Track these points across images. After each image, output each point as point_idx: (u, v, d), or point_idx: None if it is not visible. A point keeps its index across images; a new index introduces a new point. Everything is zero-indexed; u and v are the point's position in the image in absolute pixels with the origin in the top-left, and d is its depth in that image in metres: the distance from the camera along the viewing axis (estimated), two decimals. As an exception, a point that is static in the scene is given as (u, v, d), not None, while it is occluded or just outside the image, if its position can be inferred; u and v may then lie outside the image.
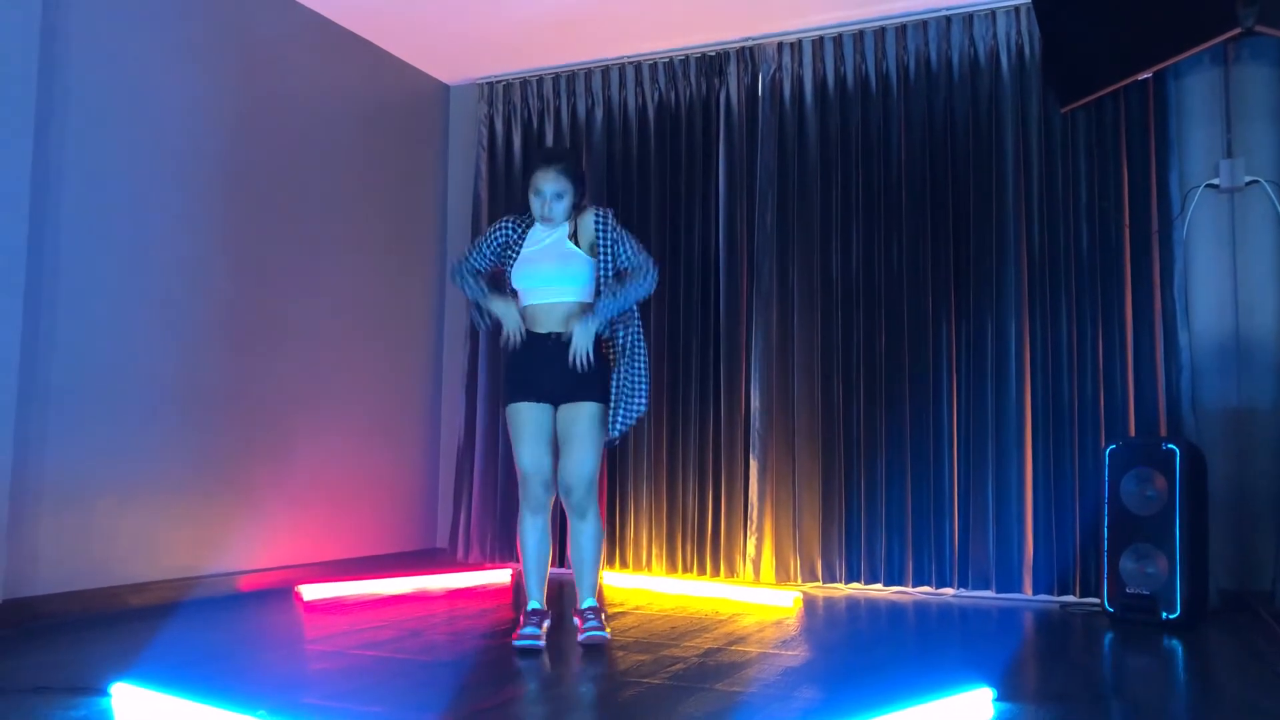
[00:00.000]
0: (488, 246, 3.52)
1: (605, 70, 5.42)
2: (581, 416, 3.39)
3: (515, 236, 3.49)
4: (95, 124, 3.88)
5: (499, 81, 5.67)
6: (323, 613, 3.97)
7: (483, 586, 4.68)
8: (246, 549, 4.45)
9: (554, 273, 3.42)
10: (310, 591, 4.25)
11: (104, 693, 2.59)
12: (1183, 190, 4.36)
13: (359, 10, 4.94)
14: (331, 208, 5.00)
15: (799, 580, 4.79)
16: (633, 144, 5.33)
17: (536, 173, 3.41)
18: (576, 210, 3.48)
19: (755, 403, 4.92)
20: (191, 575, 4.20)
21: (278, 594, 4.36)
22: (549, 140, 5.51)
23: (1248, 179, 4.28)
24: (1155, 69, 4.22)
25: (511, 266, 3.48)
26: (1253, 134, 4.30)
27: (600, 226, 3.41)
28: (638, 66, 5.35)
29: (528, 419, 3.43)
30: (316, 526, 4.83)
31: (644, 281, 3.43)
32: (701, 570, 5.00)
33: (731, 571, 4.94)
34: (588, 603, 3.45)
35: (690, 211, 5.20)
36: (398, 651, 3.23)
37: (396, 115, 5.50)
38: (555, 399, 3.44)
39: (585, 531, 3.44)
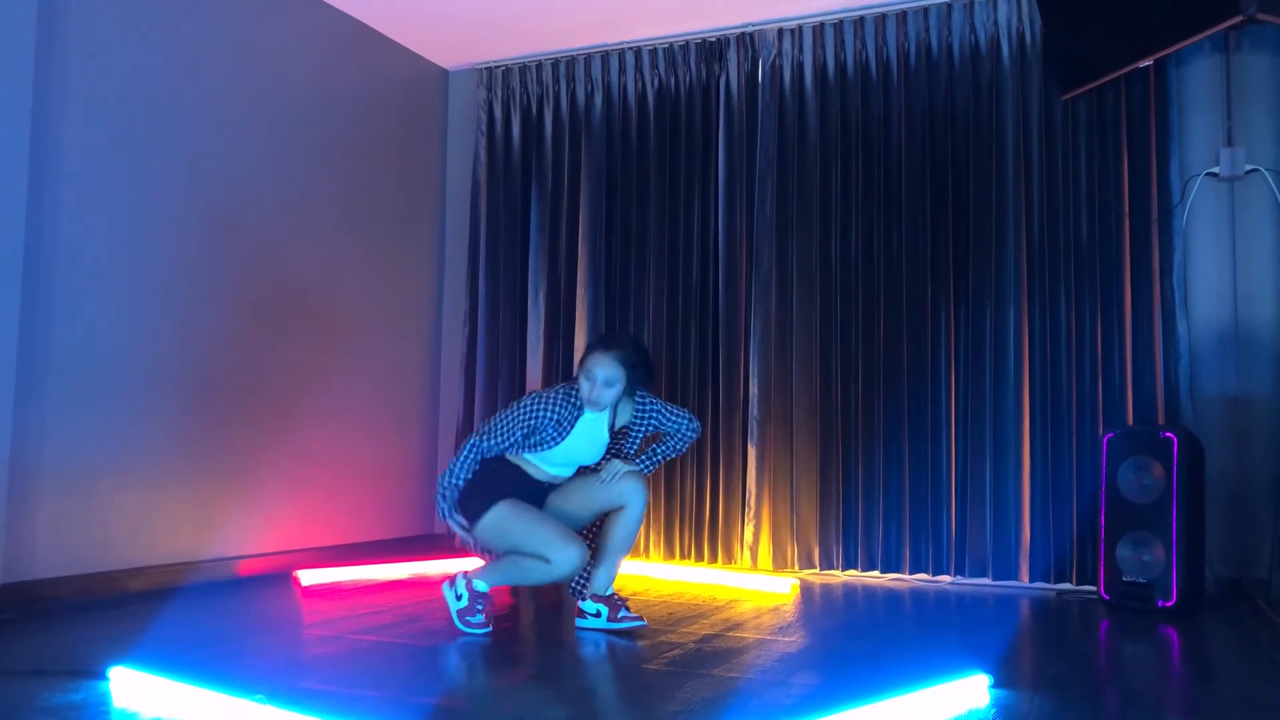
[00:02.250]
0: (521, 427, 3.31)
1: (605, 56, 5.40)
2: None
3: (555, 427, 3.32)
4: (92, 113, 3.86)
5: (498, 67, 5.65)
6: (321, 598, 3.98)
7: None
8: (245, 534, 4.46)
9: (581, 457, 3.46)
10: (308, 576, 4.25)
11: (102, 676, 2.59)
12: (1183, 178, 4.35)
13: (357, -6, 4.92)
14: (330, 192, 4.99)
15: (796, 567, 4.80)
16: (632, 130, 5.32)
17: (592, 355, 3.33)
18: (649, 388, 3.51)
19: (754, 390, 4.92)
20: (190, 560, 4.21)
21: (276, 579, 4.37)
22: (548, 125, 5.49)
23: (1248, 167, 4.27)
24: (1156, 57, 4.21)
25: (537, 445, 3.35)
26: (1253, 122, 4.29)
27: (639, 413, 3.45)
28: (637, 52, 5.33)
29: (524, 504, 3.35)
30: (315, 511, 4.84)
31: (683, 442, 3.53)
32: (699, 556, 5.01)
33: (729, 558, 4.95)
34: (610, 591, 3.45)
35: (690, 198, 5.19)
36: (396, 636, 3.23)
37: (395, 100, 5.49)
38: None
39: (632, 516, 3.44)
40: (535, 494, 3.45)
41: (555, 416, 3.32)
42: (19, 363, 3.57)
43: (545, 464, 3.45)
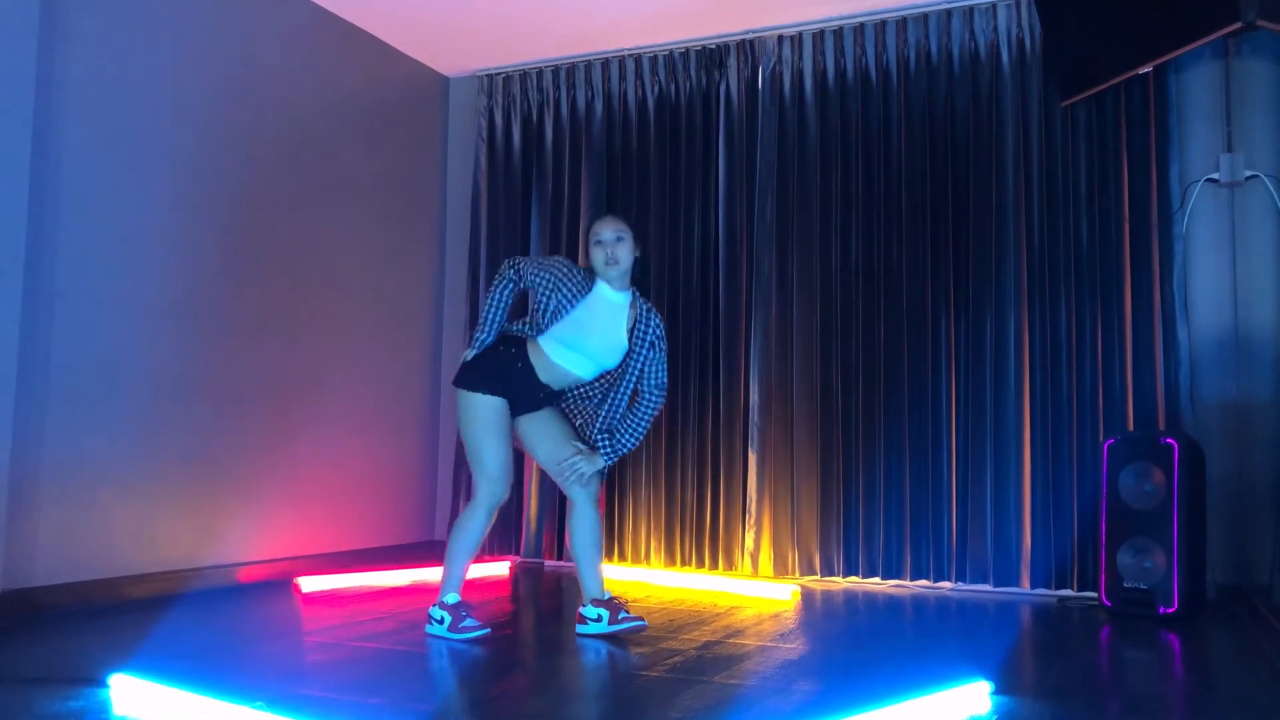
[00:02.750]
0: (546, 270, 3.41)
1: (605, 63, 5.41)
2: (554, 413, 3.50)
3: (575, 286, 3.40)
4: (93, 117, 3.87)
5: (498, 74, 5.66)
6: (321, 604, 3.97)
7: (481, 579, 4.68)
8: (245, 541, 4.45)
9: (600, 354, 3.42)
10: (309, 583, 4.25)
11: (102, 684, 2.59)
12: (1183, 184, 4.36)
13: (358, 2, 4.92)
14: (330, 200, 5.00)
15: (797, 573, 4.80)
16: (633, 137, 5.32)
17: (594, 224, 3.48)
18: (640, 290, 3.52)
19: (754, 396, 4.92)
20: (190, 567, 4.20)
21: (276, 586, 4.36)
22: (549, 133, 5.50)
23: (1248, 173, 4.27)
24: (1156, 63, 4.21)
25: (557, 309, 3.38)
26: (1253, 128, 4.30)
27: (643, 323, 3.46)
28: (638, 59, 5.34)
29: (500, 417, 3.40)
30: (315, 518, 4.83)
31: (649, 415, 3.51)
32: (700, 563, 5.01)
33: (730, 564, 4.94)
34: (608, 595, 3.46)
35: (690, 204, 5.19)
36: (396, 644, 3.23)
37: (395, 107, 5.50)
38: (518, 412, 3.49)
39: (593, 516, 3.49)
40: (529, 399, 3.45)
41: (577, 279, 3.40)
42: (19, 369, 3.57)
43: (564, 348, 3.39)
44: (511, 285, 3.44)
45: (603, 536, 3.57)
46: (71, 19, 3.80)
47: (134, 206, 4.02)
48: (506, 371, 3.40)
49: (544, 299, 3.38)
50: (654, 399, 3.50)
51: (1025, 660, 3.24)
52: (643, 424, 3.50)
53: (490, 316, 3.43)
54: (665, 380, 3.51)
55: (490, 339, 3.43)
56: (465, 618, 3.32)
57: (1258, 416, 4.21)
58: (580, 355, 3.40)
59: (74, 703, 2.47)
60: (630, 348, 3.44)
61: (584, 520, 3.47)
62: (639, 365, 3.46)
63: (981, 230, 4.61)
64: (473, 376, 3.39)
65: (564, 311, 3.36)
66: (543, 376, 3.42)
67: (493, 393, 3.37)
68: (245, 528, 4.45)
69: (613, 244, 3.40)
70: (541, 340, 3.39)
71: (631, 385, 3.48)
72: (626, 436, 3.47)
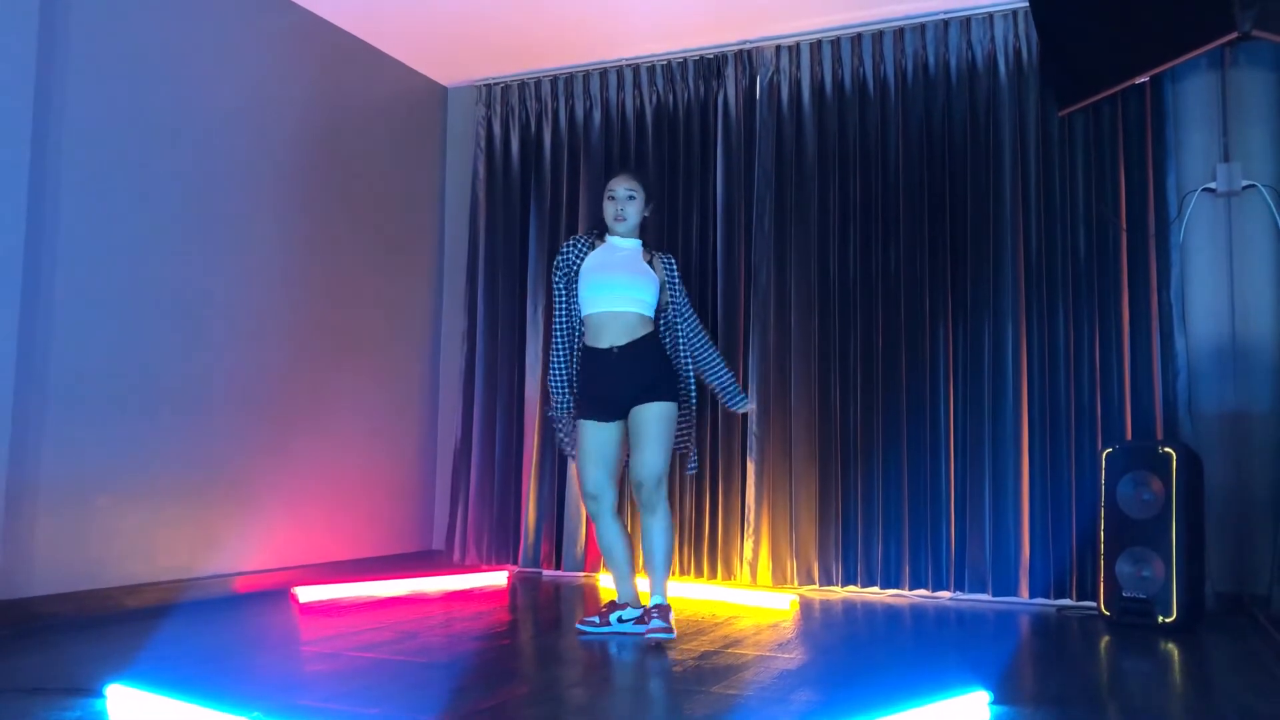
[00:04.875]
0: (563, 273, 3.64)
1: (603, 72, 5.42)
2: (652, 416, 3.55)
3: (578, 253, 3.65)
4: (93, 124, 3.88)
5: (497, 83, 5.68)
6: (319, 614, 3.97)
7: (479, 589, 4.68)
8: (243, 550, 4.45)
9: (627, 282, 3.57)
10: (306, 593, 4.24)
11: (99, 694, 2.58)
12: (1180, 194, 4.37)
13: (357, 12, 4.94)
14: (329, 209, 5.00)
15: (796, 583, 4.79)
16: (631, 146, 5.33)
17: (611, 180, 3.71)
18: (646, 241, 3.73)
19: (752, 405, 4.92)
20: (187, 577, 4.19)
21: (274, 595, 4.35)
22: (547, 142, 5.52)
23: (1244, 183, 4.28)
24: (1152, 73, 4.23)
25: (573, 274, 3.62)
26: (1250, 138, 4.31)
27: (669, 270, 3.67)
28: (635, 69, 5.35)
29: (594, 439, 3.59)
30: (313, 528, 4.83)
31: (708, 350, 3.75)
32: (699, 572, 5.00)
33: (728, 574, 4.94)
34: (655, 600, 3.54)
35: (688, 214, 5.20)
36: (394, 653, 3.22)
37: (394, 117, 5.51)
38: (624, 409, 3.58)
39: (655, 527, 3.58)
40: (603, 383, 3.58)
41: (577, 248, 3.66)
42: (17, 378, 3.57)
43: (595, 294, 3.57)
44: (561, 342, 3.65)
45: (671, 546, 3.67)
46: (71, 27, 3.81)
47: (133, 215, 4.02)
48: (587, 378, 3.59)
49: (565, 292, 3.63)
50: (696, 340, 3.69)
51: (1024, 670, 3.23)
52: (714, 359, 3.73)
53: (557, 376, 3.66)
54: (696, 320, 3.71)
55: (562, 402, 3.67)
56: (647, 619, 3.51)
57: (1256, 425, 4.22)
58: (608, 292, 3.56)
59: (71, 713, 2.46)
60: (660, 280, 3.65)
61: (659, 526, 3.59)
62: (677, 302, 3.67)
63: (979, 240, 4.61)
64: (579, 403, 3.63)
65: (578, 270, 3.60)
66: (599, 344, 3.56)
67: (588, 416, 3.60)
68: (243, 537, 4.44)
69: (624, 201, 3.64)
70: (583, 312, 3.61)
71: (676, 332, 3.65)
72: (718, 372, 3.73)
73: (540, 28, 5.06)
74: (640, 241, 3.71)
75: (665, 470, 3.57)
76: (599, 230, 3.73)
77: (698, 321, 3.74)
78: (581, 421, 3.62)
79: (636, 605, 3.66)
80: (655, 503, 3.56)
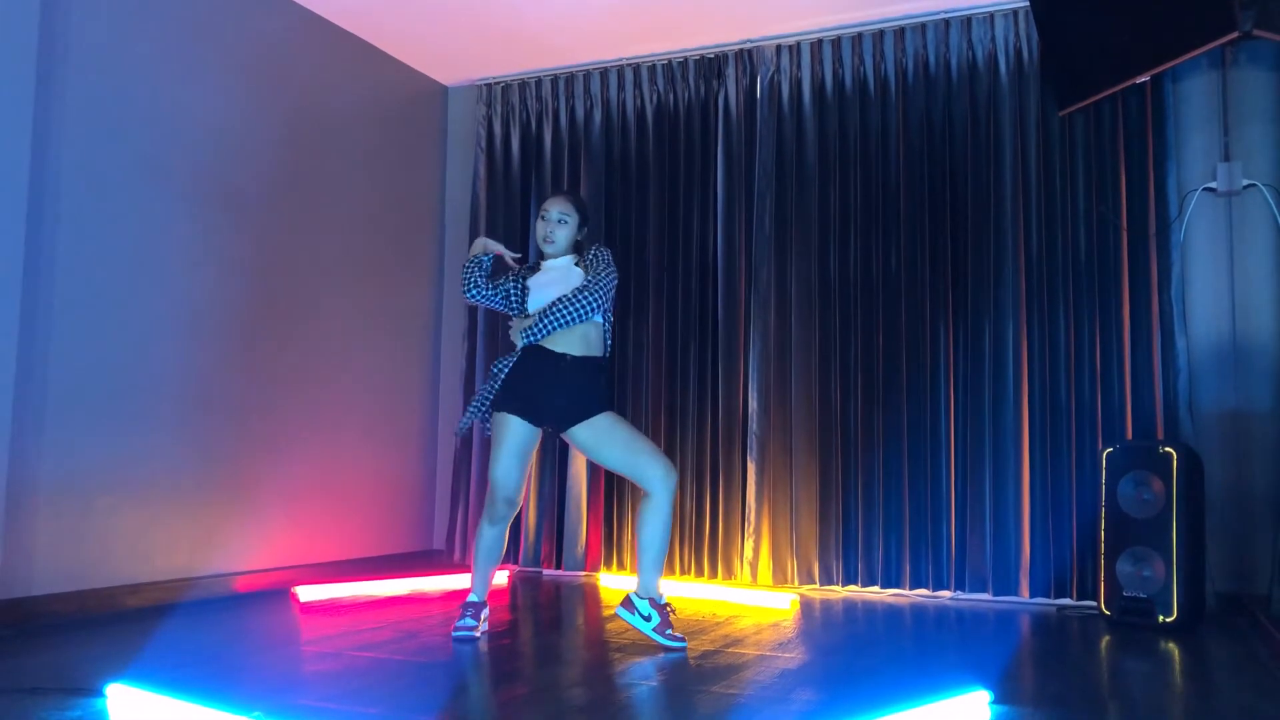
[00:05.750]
0: (491, 288, 3.58)
1: (604, 72, 5.42)
2: (611, 424, 3.46)
3: (515, 285, 3.53)
4: (92, 130, 3.87)
5: (497, 83, 5.67)
6: (319, 614, 3.97)
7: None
8: (243, 550, 4.45)
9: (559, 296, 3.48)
10: (306, 593, 4.24)
11: (99, 693, 2.58)
12: (1180, 193, 4.36)
13: (357, 11, 4.94)
14: (330, 209, 5.00)
15: (796, 582, 4.79)
16: (631, 146, 5.33)
17: (545, 201, 3.62)
18: (579, 250, 3.62)
19: (753, 405, 4.92)
20: (188, 576, 4.19)
21: (274, 595, 4.35)
22: (548, 142, 5.52)
23: (1245, 183, 4.28)
24: (1153, 72, 4.23)
25: (521, 305, 3.51)
26: (1250, 138, 4.31)
27: (596, 261, 3.53)
28: (636, 68, 5.35)
29: (516, 435, 3.45)
30: (313, 527, 4.83)
31: (560, 307, 3.42)
32: (699, 572, 5.00)
33: (729, 573, 4.93)
34: (645, 593, 3.45)
35: (688, 214, 5.20)
36: (394, 653, 3.22)
37: (395, 116, 5.50)
38: (563, 422, 3.47)
39: (660, 520, 3.44)
40: (543, 384, 3.45)
41: (515, 275, 3.55)
42: (17, 378, 3.57)
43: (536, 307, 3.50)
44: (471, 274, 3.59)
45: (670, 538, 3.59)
46: (71, 28, 3.80)
47: (132, 216, 4.02)
48: (525, 375, 3.44)
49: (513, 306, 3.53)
50: (565, 298, 3.43)
51: (1024, 670, 3.23)
52: (552, 309, 3.42)
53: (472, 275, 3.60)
54: (590, 292, 3.42)
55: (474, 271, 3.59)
56: (462, 616, 3.47)
57: (1256, 425, 4.22)
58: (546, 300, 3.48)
59: (71, 712, 2.46)
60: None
61: (658, 515, 3.43)
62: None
63: (980, 240, 4.61)
64: (500, 394, 3.48)
65: (516, 295, 3.49)
66: (552, 346, 3.43)
67: (512, 411, 3.45)
68: (243, 537, 4.44)
69: (554, 224, 3.55)
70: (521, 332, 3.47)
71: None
72: (548, 310, 3.43)
73: (541, 27, 5.06)
74: (571, 256, 3.58)
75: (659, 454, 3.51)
76: (533, 264, 3.65)
77: (590, 294, 3.42)
78: (504, 415, 3.44)
79: (482, 601, 3.59)
80: (671, 494, 3.46)
